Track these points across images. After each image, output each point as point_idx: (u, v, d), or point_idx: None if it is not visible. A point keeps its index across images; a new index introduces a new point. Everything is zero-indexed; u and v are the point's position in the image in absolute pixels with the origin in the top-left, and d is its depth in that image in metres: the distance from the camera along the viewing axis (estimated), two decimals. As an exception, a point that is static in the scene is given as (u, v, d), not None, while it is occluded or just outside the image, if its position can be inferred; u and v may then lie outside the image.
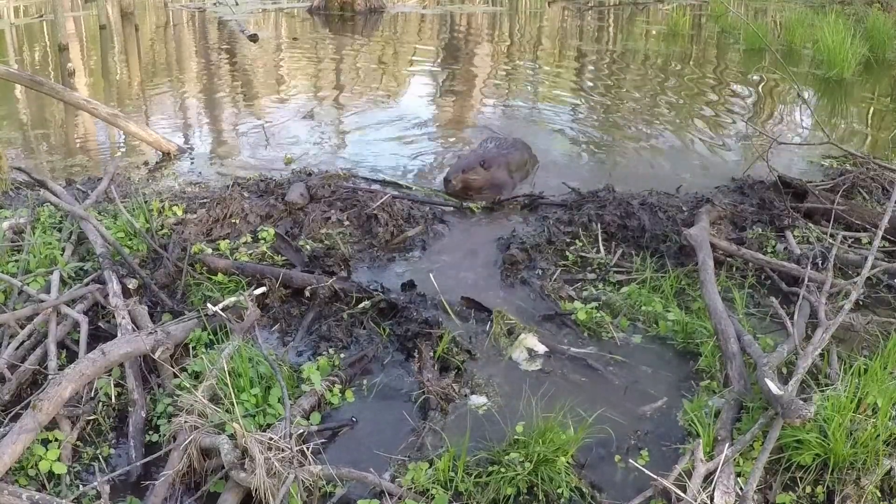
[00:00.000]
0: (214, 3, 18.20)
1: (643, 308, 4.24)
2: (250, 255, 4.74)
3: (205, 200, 5.48)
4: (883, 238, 4.59)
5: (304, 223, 5.18)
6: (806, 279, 4.21)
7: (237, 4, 18.06)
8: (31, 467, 2.98)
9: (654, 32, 15.38)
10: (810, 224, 5.18)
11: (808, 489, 2.93)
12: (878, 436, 2.94)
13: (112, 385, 3.43)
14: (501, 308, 4.16)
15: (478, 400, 3.52)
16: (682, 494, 2.74)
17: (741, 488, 2.83)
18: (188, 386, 3.24)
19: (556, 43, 14.52)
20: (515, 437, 3.10)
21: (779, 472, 2.97)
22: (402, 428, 3.33)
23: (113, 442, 3.27)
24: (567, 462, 2.98)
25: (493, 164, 5.96)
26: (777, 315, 4.05)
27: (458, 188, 5.84)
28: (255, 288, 4.22)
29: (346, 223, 5.25)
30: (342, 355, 3.81)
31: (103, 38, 13.99)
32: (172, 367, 3.55)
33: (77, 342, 3.73)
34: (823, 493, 2.91)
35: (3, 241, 4.58)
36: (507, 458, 2.99)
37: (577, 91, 10.23)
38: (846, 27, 10.84)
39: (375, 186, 6.04)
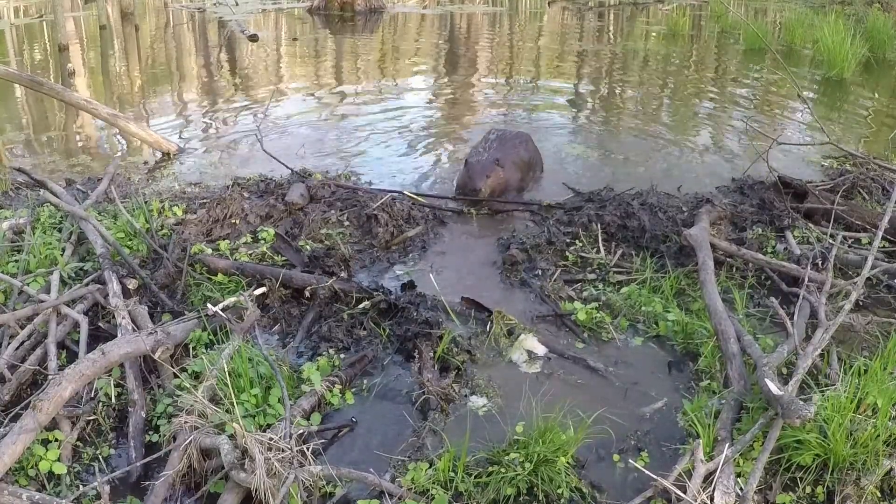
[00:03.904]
0: (214, 3, 18.21)
1: (643, 308, 4.24)
2: (250, 255, 4.74)
3: (205, 200, 5.48)
4: (883, 238, 4.59)
5: (304, 223, 5.18)
6: (806, 279, 4.21)
7: (237, 4, 18.06)
8: (31, 467, 2.97)
9: (654, 32, 15.38)
10: (810, 224, 5.18)
11: (808, 489, 2.93)
12: (878, 436, 2.94)
13: (112, 385, 3.43)
14: (501, 308, 4.16)
15: (478, 400, 3.52)
16: (682, 495, 2.74)
17: (741, 488, 2.83)
18: (188, 386, 3.24)
19: (556, 43, 14.52)
20: (515, 437, 3.10)
21: (779, 472, 2.97)
22: (402, 428, 3.33)
23: (113, 442, 3.27)
24: (567, 462, 2.98)
25: (506, 163, 5.80)
26: (777, 315, 4.04)
27: (487, 194, 5.66)
28: (255, 288, 4.22)
29: (346, 223, 5.25)
30: (342, 355, 3.81)
31: (103, 38, 13.99)
32: (172, 367, 3.55)
33: (77, 342, 3.73)
34: (823, 493, 2.91)
35: (3, 241, 4.58)
36: (507, 458, 2.99)
37: (576, 91, 10.23)
38: (846, 27, 10.85)
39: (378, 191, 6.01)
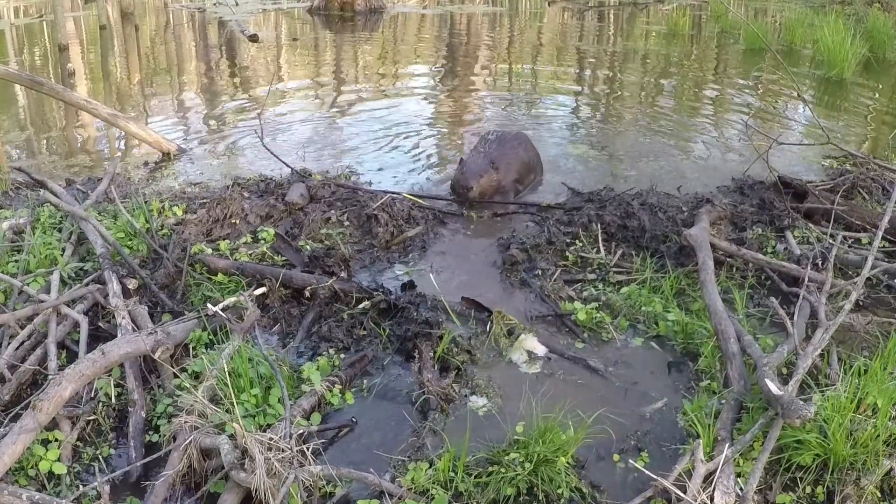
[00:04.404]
0: (214, 3, 18.21)
1: (643, 308, 4.24)
2: (250, 255, 4.74)
3: (205, 200, 5.48)
4: (883, 238, 4.59)
5: (304, 223, 5.18)
6: (806, 279, 4.21)
7: (237, 4, 18.06)
8: (31, 467, 2.97)
9: (654, 32, 15.38)
10: (810, 224, 5.18)
11: (808, 489, 2.93)
12: (878, 436, 2.94)
13: (112, 385, 3.43)
14: (501, 308, 4.16)
15: (478, 400, 3.52)
16: (682, 495, 2.74)
17: (741, 488, 2.83)
18: (188, 386, 3.24)
19: (556, 43, 14.52)
20: (515, 437, 3.10)
21: (779, 472, 2.97)
22: (402, 428, 3.33)
23: (113, 442, 3.27)
24: (567, 462, 2.98)
25: (501, 165, 5.79)
26: (777, 315, 4.04)
27: (477, 194, 5.68)
28: (255, 288, 4.22)
29: (346, 223, 5.25)
30: (342, 355, 3.81)
31: (103, 38, 14.00)
32: (172, 367, 3.55)
33: (77, 342, 3.73)
34: (823, 493, 2.91)
35: (3, 241, 4.58)
36: (507, 458, 2.99)
37: (576, 91, 10.23)
38: (846, 27, 10.85)
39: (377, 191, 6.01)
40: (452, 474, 2.94)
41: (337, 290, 4.24)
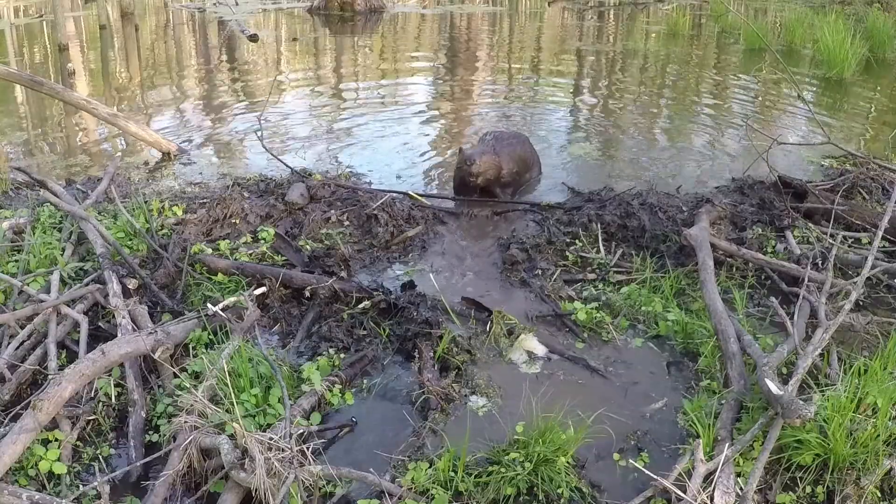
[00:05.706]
0: (214, 3, 18.20)
1: (643, 308, 4.24)
2: (250, 255, 4.74)
3: (205, 200, 5.48)
4: (883, 238, 4.59)
5: (304, 223, 5.18)
6: (806, 279, 4.21)
7: (237, 4, 18.06)
8: (31, 467, 2.97)
9: (654, 32, 15.38)
10: (810, 224, 5.18)
11: (808, 489, 2.93)
12: (878, 436, 2.94)
13: (112, 385, 3.43)
14: (501, 308, 4.16)
15: (478, 400, 3.52)
16: (682, 494, 2.74)
17: (741, 488, 2.83)
18: (188, 386, 3.24)
19: (556, 43, 14.52)
20: (515, 437, 3.10)
21: (779, 472, 2.97)
22: (402, 428, 3.33)
23: (113, 442, 3.27)
24: (567, 462, 2.98)
25: (502, 154, 5.74)
26: (777, 315, 4.04)
27: (481, 171, 5.56)
28: (255, 288, 4.22)
29: (346, 223, 5.25)
30: (342, 355, 3.81)
31: (103, 38, 13.99)
32: (172, 367, 3.55)
33: (77, 342, 3.73)
34: (823, 493, 2.91)
35: (3, 241, 4.58)
36: (507, 458, 2.99)
37: (576, 91, 10.23)
38: (846, 27, 10.85)
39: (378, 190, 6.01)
40: (452, 474, 2.94)
41: (337, 289, 4.24)
